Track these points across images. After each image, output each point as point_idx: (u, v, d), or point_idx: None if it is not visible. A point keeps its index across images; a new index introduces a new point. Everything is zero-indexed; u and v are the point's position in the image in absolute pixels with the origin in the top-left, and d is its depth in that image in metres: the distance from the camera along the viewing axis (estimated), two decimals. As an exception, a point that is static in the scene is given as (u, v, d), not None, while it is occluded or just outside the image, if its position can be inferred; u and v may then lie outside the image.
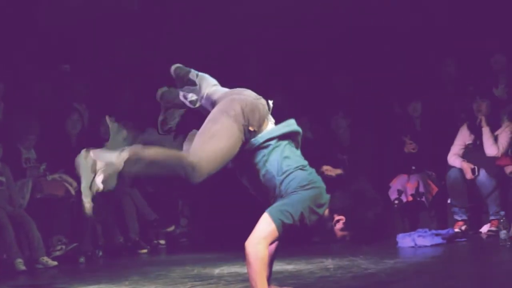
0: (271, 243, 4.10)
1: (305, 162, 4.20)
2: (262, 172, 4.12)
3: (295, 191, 4.04)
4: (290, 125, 4.28)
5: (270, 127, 4.23)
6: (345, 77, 9.51)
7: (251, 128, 4.14)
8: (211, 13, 9.12)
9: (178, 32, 9.52)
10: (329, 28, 9.25)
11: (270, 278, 4.39)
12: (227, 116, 4.12)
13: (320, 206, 4.10)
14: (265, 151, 4.14)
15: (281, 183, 4.08)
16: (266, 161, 4.12)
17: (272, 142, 4.16)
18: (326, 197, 4.14)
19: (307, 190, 4.06)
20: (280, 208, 4.01)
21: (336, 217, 4.11)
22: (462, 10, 9.06)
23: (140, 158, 4.00)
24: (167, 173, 4.06)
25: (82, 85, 9.18)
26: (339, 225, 4.12)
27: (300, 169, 4.13)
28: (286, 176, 4.07)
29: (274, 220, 3.98)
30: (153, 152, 4.05)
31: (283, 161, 4.12)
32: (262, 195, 4.20)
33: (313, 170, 4.21)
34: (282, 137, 4.21)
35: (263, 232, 3.99)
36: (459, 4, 9.11)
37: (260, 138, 4.16)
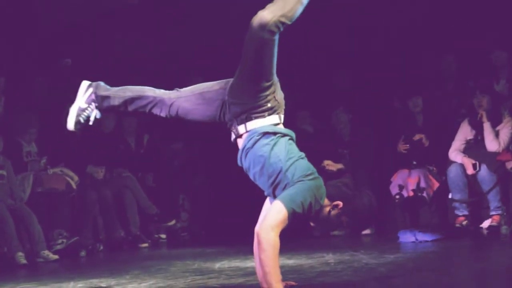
0: None
1: (303, 154, 4.28)
2: (269, 154, 4.14)
3: (300, 180, 4.09)
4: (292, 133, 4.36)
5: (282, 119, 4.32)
6: (345, 72, 9.50)
7: (275, 95, 4.21)
8: (211, 13, 9.09)
9: (177, 31, 9.49)
10: (329, 27, 9.23)
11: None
12: None
13: (321, 196, 4.16)
14: (273, 136, 4.19)
15: (287, 170, 4.11)
16: (275, 144, 4.16)
17: (280, 134, 4.23)
18: (324, 188, 4.22)
19: (311, 180, 4.13)
20: (291, 197, 4.05)
21: (335, 202, 4.19)
22: (461, 7, 9.03)
23: None
24: None
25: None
26: (337, 210, 4.21)
27: (302, 158, 4.22)
28: (292, 163, 4.13)
29: (287, 208, 4.02)
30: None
31: (289, 147, 4.19)
32: (261, 180, 4.20)
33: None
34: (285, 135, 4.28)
35: (276, 219, 4.01)
36: (459, 2, 9.08)
37: (269, 128, 4.20)
